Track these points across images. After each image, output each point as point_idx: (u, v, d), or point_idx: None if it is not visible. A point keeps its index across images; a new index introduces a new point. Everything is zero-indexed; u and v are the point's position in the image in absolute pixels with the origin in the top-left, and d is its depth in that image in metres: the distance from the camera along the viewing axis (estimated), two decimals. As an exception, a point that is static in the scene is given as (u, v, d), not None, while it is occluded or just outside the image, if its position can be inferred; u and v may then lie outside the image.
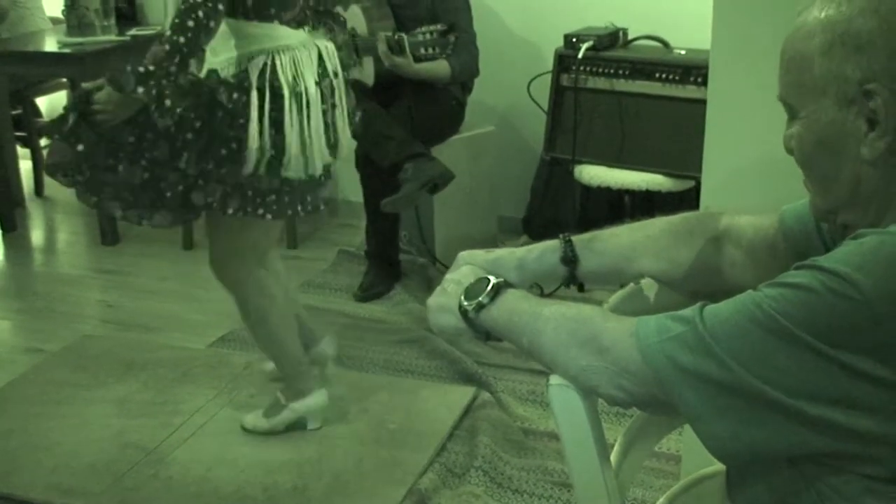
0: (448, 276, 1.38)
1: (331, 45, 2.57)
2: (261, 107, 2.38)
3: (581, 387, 1.20)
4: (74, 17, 4.43)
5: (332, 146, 2.57)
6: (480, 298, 1.29)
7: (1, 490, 2.63)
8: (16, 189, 4.87)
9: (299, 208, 2.57)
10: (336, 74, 2.57)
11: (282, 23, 2.45)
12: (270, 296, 2.70)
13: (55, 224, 4.91)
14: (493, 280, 1.30)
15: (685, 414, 1.09)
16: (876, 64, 1.07)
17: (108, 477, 2.66)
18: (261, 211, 2.49)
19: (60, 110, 2.44)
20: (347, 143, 2.65)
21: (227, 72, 2.37)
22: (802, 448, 1.06)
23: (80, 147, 2.40)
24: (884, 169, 1.10)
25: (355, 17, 3.68)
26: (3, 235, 4.62)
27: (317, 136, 2.48)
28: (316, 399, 2.84)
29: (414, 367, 3.25)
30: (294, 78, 2.42)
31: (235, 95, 2.37)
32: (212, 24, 2.28)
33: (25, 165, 5.08)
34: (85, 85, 2.40)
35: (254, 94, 2.37)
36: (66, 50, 4.31)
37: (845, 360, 1.00)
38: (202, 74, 2.35)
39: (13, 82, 4.78)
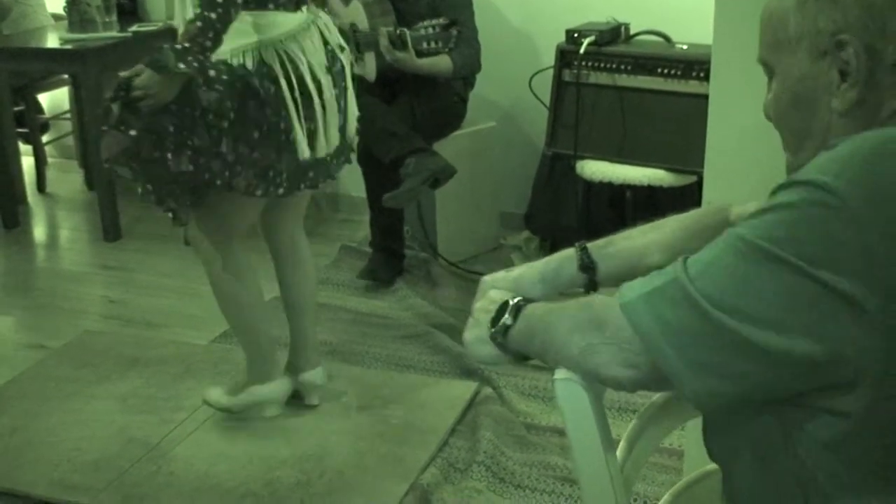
0: (476, 305, 1.39)
1: (328, 19, 2.63)
2: (291, 97, 2.44)
3: (585, 372, 1.19)
4: (76, 13, 4.43)
5: (343, 127, 2.64)
6: (504, 320, 1.30)
7: (4, 486, 2.64)
8: (18, 185, 4.87)
9: (302, 185, 2.62)
10: (343, 49, 2.63)
11: (277, 7, 2.48)
12: (245, 275, 2.72)
13: (57, 220, 4.91)
14: (511, 301, 1.31)
15: (666, 371, 1.08)
16: (849, 15, 1.09)
17: (110, 473, 2.66)
18: (272, 188, 2.52)
19: (103, 104, 2.45)
20: (354, 119, 2.72)
21: (237, 61, 2.41)
22: (780, 390, 1.06)
23: (133, 132, 2.41)
24: (854, 121, 1.12)
25: (357, 13, 3.68)
26: (6, 232, 4.62)
27: (332, 117, 2.55)
28: (274, 387, 2.85)
29: (416, 362, 3.25)
30: (310, 67, 2.48)
31: (266, 83, 2.41)
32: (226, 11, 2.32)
33: (27, 162, 5.08)
34: (122, 74, 2.41)
35: (283, 83, 2.43)
36: (68, 46, 4.31)
37: (825, 278, 0.99)
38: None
39: (15, 79, 4.77)
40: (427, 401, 2.98)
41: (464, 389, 3.02)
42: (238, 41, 2.41)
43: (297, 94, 2.45)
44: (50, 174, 5.16)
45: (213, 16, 2.30)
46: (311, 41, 2.52)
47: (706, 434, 1.27)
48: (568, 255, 1.43)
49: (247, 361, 2.85)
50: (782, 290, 1.01)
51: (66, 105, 5.30)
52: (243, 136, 2.43)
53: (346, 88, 2.65)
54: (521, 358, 1.32)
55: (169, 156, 2.42)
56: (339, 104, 2.61)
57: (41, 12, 4.99)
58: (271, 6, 2.47)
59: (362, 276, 3.80)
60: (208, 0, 2.30)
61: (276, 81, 2.42)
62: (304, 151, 2.48)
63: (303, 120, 2.48)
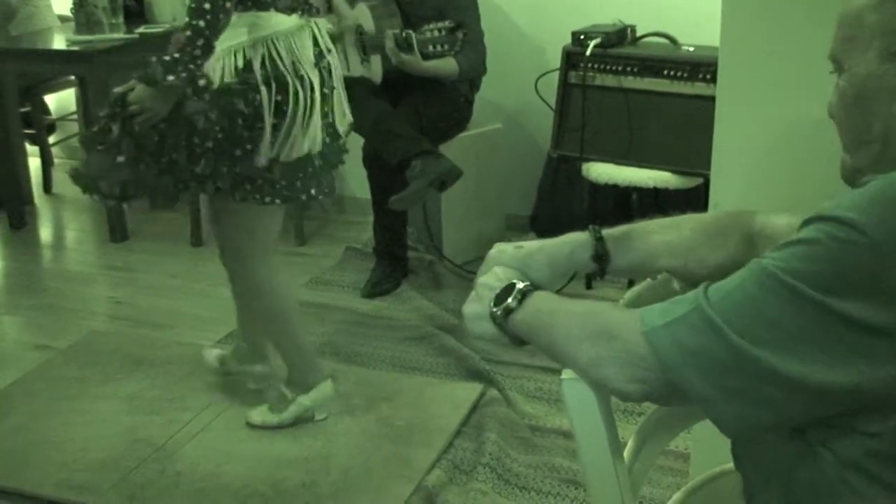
0: (480, 279, 1.37)
1: (322, 22, 2.64)
2: (269, 100, 2.43)
3: (592, 380, 1.19)
4: (83, 14, 4.44)
5: (332, 125, 2.64)
6: (508, 303, 1.28)
7: (11, 486, 2.64)
8: (25, 186, 4.88)
9: (313, 191, 2.60)
10: (330, 51, 2.63)
11: (277, 10, 2.50)
12: (283, 286, 2.74)
13: (64, 221, 4.92)
14: (519, 284, 1.29)
15: (692, 397, 1.08)
16: None
17: (116, 473, 2.67)
18: (269, 198, 2.53)
19: (100, 121, 2.46)
20: (348, 118, 2.74)
21: (228, 60, 2.41)
22: (807, 417, 1.07)
23: (121, 158, 2.42)
24: None
25: (363, 15, 3.68)
26: (12, 232, 4.64)
27: (318, 117, 2.54)
28: (323, 390, 2.85)
29: (421, 363, 3.25)
30: (294, 63, 2.48)
31: (251, 96, 2.41)
32: (228, 3, 2.32)
33: (34, 163, 5.09)
34: (117, 89, 2.43)
35: (263, 91, 2.42)
36: (75, 48, 4.31)
37: (849, 311, 0.99)
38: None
39: (22, 80, 4.79)
40: (432, 402, 2.98)
41: (469, 391, 3.02)
42: (231, 41, 2.41)
43: (273, 92, 2.44)
44: (56, 175, 5.16)
45: (202, 24, 2.30)
46: (300, 40, 2.53)
47: (735, 452, 1.27)
48: (582, 241, 1.40)
49: (290, 373, 2.85)
50: (805, 325, 1.01)
51: (73, 106, 5.31)
52: (228, 153, 2.44)
53: (334, 89, 2.64)
54: (519, 342, 1.30)
55: (142, 165, 2.44)
56: (327, 104, 2.60)
57: (48, 13, 5.00)
58: (272, 10, 2.49)
59: (366, 294, 3.79)
60: (196, 8, 2.30)
61: (258, 88, 2.42)
62: (266, 153, 2.45)
63: (271, 119, 2.45)
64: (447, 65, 3.56)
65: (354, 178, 4.48)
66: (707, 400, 1.07)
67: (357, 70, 3.82)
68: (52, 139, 5.27)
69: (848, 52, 1.15)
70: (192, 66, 2.32)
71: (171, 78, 2.31)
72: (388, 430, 2.85)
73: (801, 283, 1.01)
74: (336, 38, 3.87)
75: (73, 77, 5.06)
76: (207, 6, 2.28)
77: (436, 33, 3.40)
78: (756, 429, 1.10)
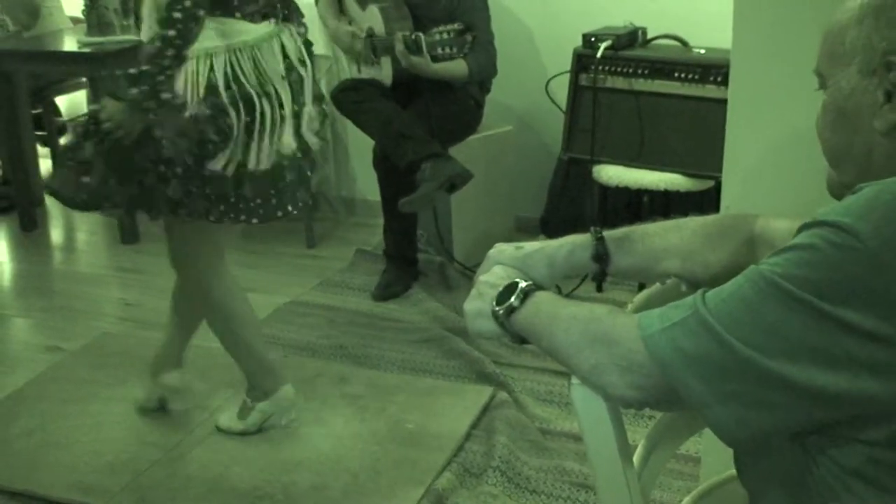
0: (481, 277, 1.38)
1: (293, 32, 2.57)
2: (238, 122, 2.40)
3: (593, 387, 1.20)
4: (94, 16, 4.44)
5: (303, 139, 2.58)
6: (511, 301, 1.29)
7: (21, 487, 2.65)
8: (36, 188, 4.89)
9: (290, 208, 2.58)
10: (304, 63, 2.58)
11: (243, 16, 2.45)
12: (235, 293, 2.71)
13: (75, 223, 4.93)
14: (521, 284, 1.30)
15: (691, 402, 1.08)
16: None
17: (126, 475, 2.67)
18: (244, 217, 2.50)
19: (72, 135, 2.45)
20: (314, 135, 2.65)
21: (191, 67, 2.36)
22: (807, 422, 1.07)
23: (86, 179, 2.41)
24: (895, 142, 1.11)
25: (373, 18, 3.68)
26: (23, 234, 4.65)
27: (289, 133, 2.51)
28: (283, 395, 2.84)
29: (432, 366, 3.25)
30: (259, 78, 2.44)
31: (220, 123, 2.39)
32: (200, 12, 2.29)
33: (45, 164, 5.11)
34: (91, 107, 2.41)
35: (233, 115, 2.40)
36: (86, 49, 4.32)
37: (847, 318, 0.99)
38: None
39: (33, 81, 4.80)
40: (442, 405, 2.98)
41: (479, 394, 3.02)
42: (202, 44, 2.37)
43: (242, 114, 2.41)
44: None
45: (173, 33, 2.27)
46: (269, 52, 2.48)
47: (738, 463, 1.27)
48: (582, 241, 1.41)
49: (248, 380, 2.83)
50: (802, 329, 1.01)
51: (84, 108, 5.31)
52: (197, 175, 2.42)
53: (304, 104, 2.58)
54: (520, 340, 1.31)
55: (111, 182, 2.42)
56: (297, 119, 2.55)
57: (59, 15, 5.01)
58: (237, 15, 2.44)
59: (377, 297, 3.79)
60: (167, 17, 2.26)
61: (226, 111, 2.39)
62: (218, 163, 2.41)
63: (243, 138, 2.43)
64: (457, 67, 3.56)
65: (365, 181, 4.49)
66: (705, 404, 1.07)
67: (368, 72, 3.82)
68: (62, 141, 5.28)
69: (830, 68, 1.16)
70: (160, 79, 2.28)
71: (133, 91, 2.28)
72: (398, 432, 2.84)
73: (797, 289, 1.01)
74: (348, 49, 3.87)
75: (84, 79, 5.07)
76: (178, 16, 2.25)
77: (445, 35, 3.40)
78: (757, 435, 1.09)
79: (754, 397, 1.05)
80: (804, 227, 1.05)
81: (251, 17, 2.47)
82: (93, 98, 4.96)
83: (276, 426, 2.85)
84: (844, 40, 1.13)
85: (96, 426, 2.91)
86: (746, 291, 1.06)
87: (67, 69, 4.80)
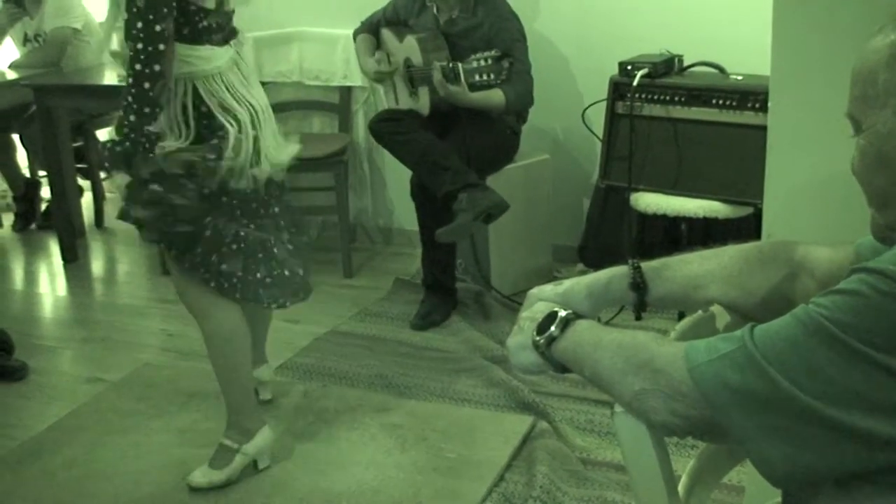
0: (523, 314, 1.40)
1: (241, 54, 2.63)
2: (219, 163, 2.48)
3: (636, 414, 1.19)
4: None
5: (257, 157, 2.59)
6: (551, 331, 1.30)
7: (64, 518, 2.66)
8: (77, 220, 4.95)
9: (270, 300, 2.69)
10: (247, 80, 2.62)
11: (213, 44, 2.50)
12: (235, 329, 2.69)
13: (115, 254, 4.99)
14: (561, 313, 1.31)
15: (736, 436, 1.08)
16: None
17: (169, 505, 2.68)
18: (207, 276, 2.58)
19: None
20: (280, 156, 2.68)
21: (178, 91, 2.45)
22: (852, 465, 1.05)
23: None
24: None
25: (411, 48, 3.71)
26: (65, 266, 4.71)
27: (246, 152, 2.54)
28: (264, 437, 2.78)
29: (471, 395, 3.24)
30: (233, 98, 2.50)
31: (197, 168, 2.47)
32: (157, 27, 2.32)
33: (86, 197, 5.17)
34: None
35: (211, 163, 2.48)
36: (126, 83, 4.37)
37: (894, 365, 0.98)
38: None
39: (75, 115, 4.87)
40: (482, 434, 2.97)
41: (519, 423, 3.00)
42: (181, 70, 2.44)
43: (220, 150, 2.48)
44: (108, 209, 5.24)
45: (146, 85, 2.33)
46: (235, 75, 2.54)
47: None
48: (619, 271, 1.43)
49: (232, 418, 2.76)
50: (848, 374, 1.01)
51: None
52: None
53: (261, 126, 2.61)
54: (563, 369, 1.32)
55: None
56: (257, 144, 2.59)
57: (98, 49, 5.09)
58: (205, 41, 2.49)
59: (416, 326, 3.79)
60: (138, 71, 2.33)
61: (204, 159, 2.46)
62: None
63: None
64: (494, 96, 3.56)
65: (402, 211, 4.50)
66: (748, 438, 1.07)
67: (405, 102, 3.84)
68: (103, 174, 5.35)
69: (864, 112, 1.15)
70: (141, 139, 2.39)
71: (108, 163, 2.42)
72: (439, 462, 2.84)
73: (845, 334, 1.01)
74: (387, 75, 3.91)
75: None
76: (143, 56, 2.31)
77: (482, 63, 3.40)
78: (800, 474, 1.07)
79: (797, 434, 1.04)
80: (854, 272, 1.05)
81: (218, 43, 2.53)
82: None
83: (253, 471, 2.79)
84: (877, 82, 1.12)
85: (137, 457, 2.93)
86: (794, 331, 1.06)
87: (107, 103, 4.82)
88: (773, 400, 1.04)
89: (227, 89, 2.51)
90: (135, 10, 2.31)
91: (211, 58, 2.50)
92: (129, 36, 2.33)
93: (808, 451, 1.04)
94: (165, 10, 2.34)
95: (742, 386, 1.06)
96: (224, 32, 2.56)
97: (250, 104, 2.55)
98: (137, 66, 2.32)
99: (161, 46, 2.33)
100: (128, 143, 2.39)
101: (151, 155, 2.41)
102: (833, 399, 1.01)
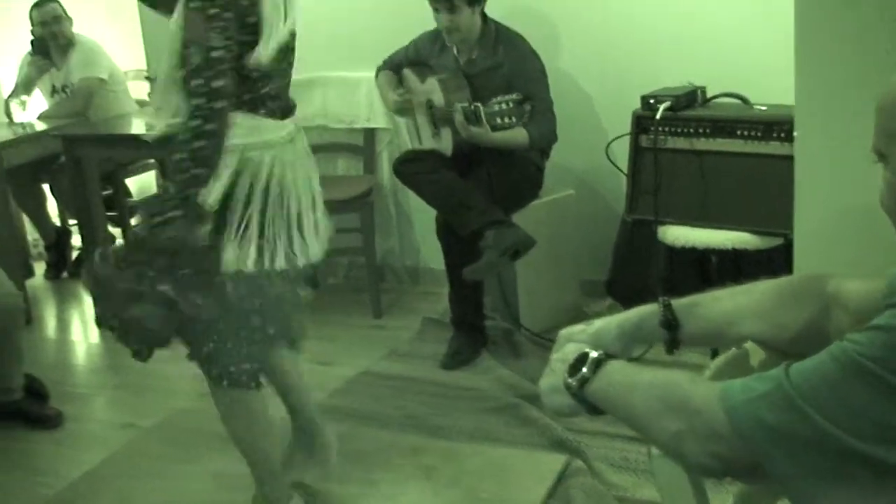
0: (554, 356, 1.40)
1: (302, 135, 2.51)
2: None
3: (673, 456, 1.19)
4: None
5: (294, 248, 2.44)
6: (583, 373, 1.29)
7: (101, 567, 2.67)
8: (107, 268, 4.98)
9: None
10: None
11: (267, 114, 2.36)
12: (258, 398, 2.59)
13: (146, 301, 5.00)
14: (592, 354, 1.31)
15: (776, 477, 1.07)
16: None
17: (204, 552, 2.68)
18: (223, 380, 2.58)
19: None
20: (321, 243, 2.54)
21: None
22: (894, 501, 1.04)
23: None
24: None
25: (433, 89, 3.73)
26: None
27: (303, 233, 2.44)
28: None
29: (504, 434, 3.22)
30: (280, 180, 2.36)
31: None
32: (219, 82, 2.15)
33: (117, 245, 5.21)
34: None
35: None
36: (154, 132, 4.42)
37: None
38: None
39: (104, 164, 4.92)
40: (517, 474, 2.95)
41: (553, 462, 2.98)
42: (233, 140, 2.26)
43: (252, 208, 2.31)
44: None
45: (203, 143, 2.14)
46: (294, 152, 2.42)
47: None
48: (650, 310, 1.43)
49: (258, 490, 2.69)
50: (885, 411, 1.01)
51: (154, 189, 5.44)
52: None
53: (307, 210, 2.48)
54: (596, 411, 1.31)
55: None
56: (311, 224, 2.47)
57: (126, 98, 5.17)
58: (262, 111, 2.34)
59: (446, 365, 3.77)
60: (195, 128, 2.14)
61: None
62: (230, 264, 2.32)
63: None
64: (517, 135, 3.56)
65: (428, 250, 4.51)
66: (789, 478, 1.06)
67: (428, 143, 3.86)
68: (133, 221, 5.40)
69: (889, 146, 1.15)
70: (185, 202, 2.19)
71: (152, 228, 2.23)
72: (473, 503, 2.82)
73: (879, 368, 1.01)
74: (406, 111, 3.94)
75: (153, 160, 5.19)
76: (200, 97, 2.12)
77: (504, 106, 3.41)
78: None
79: (838, 473, 1.03)
80: (889, 307, 1.05)
81: (273, 115, 2.38)
82: (162, 178, 5.10)
83: None
84: None
85: (172, 502, 2.92)
86: (829, 368, 1.05)
87: (136, 152, 4.90)
88: (813, 439, 1.04)
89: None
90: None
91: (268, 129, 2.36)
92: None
93: (850, 489, 1.04)
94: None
95: (780, 426, 1.06)
96: (283, 103, 2.43)
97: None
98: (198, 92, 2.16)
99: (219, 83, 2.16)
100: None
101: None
102: (873, 436, 1.01)
